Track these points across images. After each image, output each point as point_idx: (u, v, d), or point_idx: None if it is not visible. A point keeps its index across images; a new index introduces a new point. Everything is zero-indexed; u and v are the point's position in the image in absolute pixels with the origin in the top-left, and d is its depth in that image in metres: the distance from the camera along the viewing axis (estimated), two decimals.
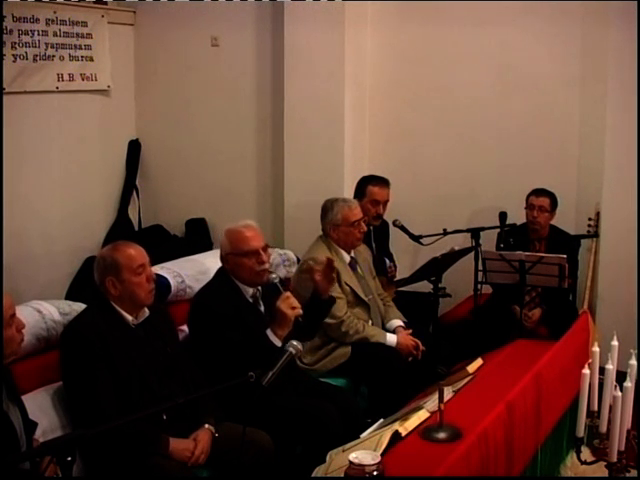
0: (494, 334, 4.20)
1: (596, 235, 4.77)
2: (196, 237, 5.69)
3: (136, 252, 3.07)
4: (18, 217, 4.93)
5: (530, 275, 4.15)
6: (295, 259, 4.60)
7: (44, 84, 5.06)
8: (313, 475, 2.58)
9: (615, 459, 2.59)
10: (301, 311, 3.28)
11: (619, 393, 2.56)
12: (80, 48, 5.26)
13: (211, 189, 5.71)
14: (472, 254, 4.30)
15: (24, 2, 4.84)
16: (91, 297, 3.18)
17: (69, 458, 1.94)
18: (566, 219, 4.81)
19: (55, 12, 5.06)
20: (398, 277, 4.80)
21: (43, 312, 3.13)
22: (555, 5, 4.76)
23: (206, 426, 3.01)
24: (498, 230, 4.68)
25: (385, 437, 2.56)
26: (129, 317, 3.05)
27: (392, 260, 4.89)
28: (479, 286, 4.35)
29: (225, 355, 3.24)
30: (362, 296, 4.12)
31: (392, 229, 4.89)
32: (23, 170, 5.01)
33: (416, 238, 4.64)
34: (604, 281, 4.75)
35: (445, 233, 4.58)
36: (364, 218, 4.23)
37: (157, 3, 5.57)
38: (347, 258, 4.19)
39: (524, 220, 4.68)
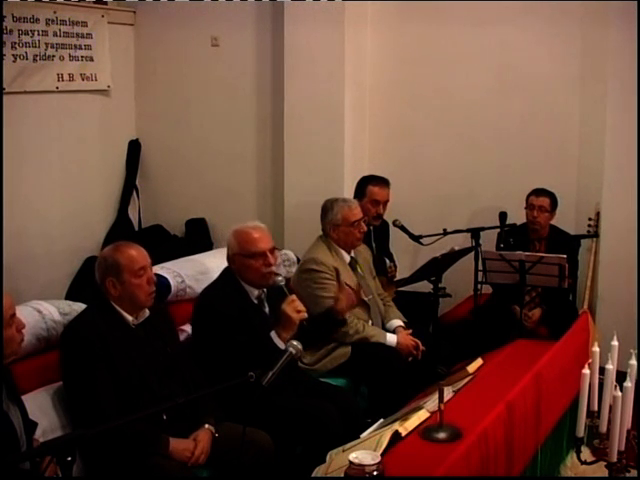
0: (494, 334, 4.20)
1: (596, 235, 4.77)
2: (196, 237, 5.69)
3: (138, 254, 3.06)
4: (18, 217, 4.92)
5: (530, 275, 4.16)
6: (295, 259, 4.60)
7: (44, 84, 5.05)
8: (313, 475, 2.58)
9: (615, 459, 2.59)
10: (306, 315, 3.29)
11: (619, 393, 2.56)
12: (80, 48, 5.26)
13: (211, 189, 5.71)
14: (472, 254, 4.31)
15: (24, 2, 4.84)
16: (91, 297, 3.18)
17: (69, 458, 1.95)
18: (566, 219, 4.81)
19: (55, 12, 5.05)
20: (398, 277, 4.80)
21: (43, 312, 3.13)
22: (555, 5, 4.76)
23: (206, 426, 3.01)
24: (498, 230, 4.68)
25: (385, 437, 2.56)
26: (129, 317, 3.04)
27: (392, 260, 4.89)
28: (479, 286, 4.36)
29: (229, 356, 3.24)
30: (362, 296, 4.12)
31: (392, 229, 4.89)
32: (23, 170, 5.01)
33: (416, 238, 4.64)
34: (604, 281, 4.75)
35: (445, 233, 4.58)
36: (364, 218, 4.23)
37: (157, 3, 5.57)
38: (347, 258, 4.19)
39: (524, 220, 4.69)
